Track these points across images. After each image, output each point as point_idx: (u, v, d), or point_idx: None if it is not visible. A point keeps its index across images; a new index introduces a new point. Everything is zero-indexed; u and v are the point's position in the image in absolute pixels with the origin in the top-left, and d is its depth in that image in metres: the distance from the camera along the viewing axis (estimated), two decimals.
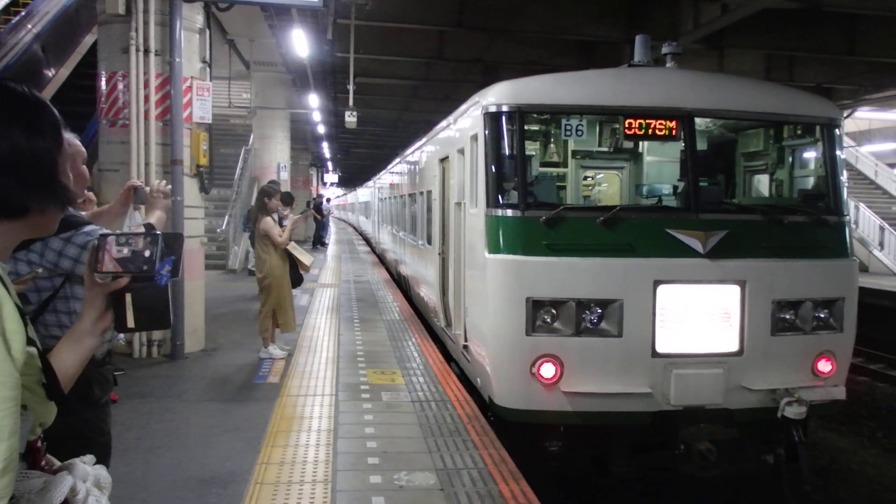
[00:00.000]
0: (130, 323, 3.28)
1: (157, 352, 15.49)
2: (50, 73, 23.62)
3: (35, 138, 2.76)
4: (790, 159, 12.36)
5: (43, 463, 2.85)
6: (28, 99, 2.83)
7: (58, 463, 2.96)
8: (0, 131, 2.67)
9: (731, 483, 11.14)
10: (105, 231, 3.28)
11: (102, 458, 5.23)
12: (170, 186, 6.54)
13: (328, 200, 67.18)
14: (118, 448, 5.73)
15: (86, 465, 3.07)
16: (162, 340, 15.55)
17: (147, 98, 15.38)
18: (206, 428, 11.27)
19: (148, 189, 6.27)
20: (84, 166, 5.60)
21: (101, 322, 3.29)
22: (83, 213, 5.91)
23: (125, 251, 3.20)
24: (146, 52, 15.31)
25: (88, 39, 24.64)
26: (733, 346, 10.44)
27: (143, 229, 3.24)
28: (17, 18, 22.28)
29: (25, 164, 2.71)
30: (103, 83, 15.70)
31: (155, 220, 5.93)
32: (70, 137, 5.46)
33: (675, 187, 11.96)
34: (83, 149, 5.63)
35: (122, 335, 10.00)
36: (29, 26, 21.83)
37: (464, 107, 13.50)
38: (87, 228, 5.45)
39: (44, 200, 2.79)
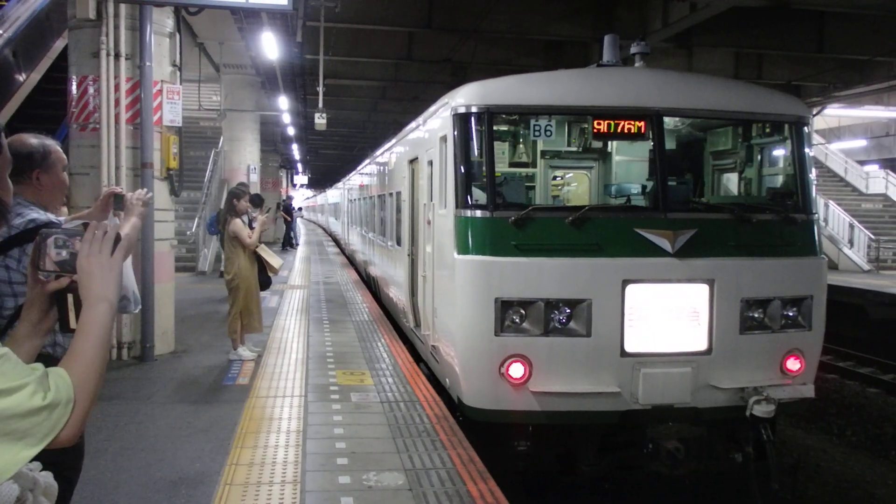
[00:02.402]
0: (73, 324, 3.21)
1: (127, 354, 15.43)
2: (21, 77, 23.51)
3: None
4: (759, 158, 12.39)
5: None
6: None
7: None
8: None
9: (699, 481, 11.16)
10: (46, 230, 3.21)
11: (75, 461, 5.24)
12: (150, 195, 6.52)
13: (300, 209, 67.39)
14: (87, 450, 5.69)
15: (33, 473, 2.98)
16: (132, 343, 15.49)
17: (117, 102, 15.38)
18: (175, 429, 11.23)
19: (128, 195, 6.26)
20: (65, 173, 5.61)
21: (43, 323, 3.27)
22: (62, 220, 5.91)
23: (63, 254, 3.16)
24: (117, 56, 15.30)
25: (59, 44, 24.51)
26: (702, 344, 10.47)
27: (81, 228, 3.14)
28: None
29: None
30: (74, 87, 15.67)
31: (130, 226, 5.91)
32: (52, 144, 5.47)
33: (644, 187, 12.02)
34: (64, 156, 5.63)
35: None
36: (0, 31, 21.74)
37: (433, 108, 13.50)
38: None
39: None
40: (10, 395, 2.52)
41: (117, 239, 3.14)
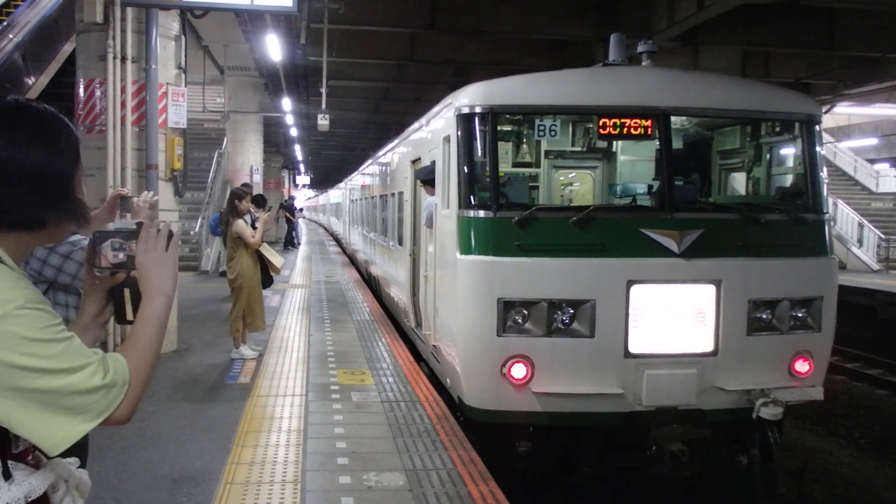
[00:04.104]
0: (130, 316, 3.37)
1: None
2: (30, 80, 23.63)
3: (55, 158, 2.93)
4: (768, 157, 12.27)
5: (29, 458, 2.93)
6: (49, 119, 2.98)
7: (44, 459, 3.03)
8: (23, 151, 2.83)
9: (703, 484, 11.09)
10: (101, 229, 3.33)
11: (81, 458, 5.22)
12: (157, 197, 6.57)
13: (301, 209, 67.73)
14: (91, 448, 5.72)
15: (70, 466, 3.21)
16: None
17: (123, 104, 15.48)
18: (177, 428, 11.22)
19: (135, 199, 6.31)
20: None
21: (100, 316, 3.47)
22: None
23: (121, 256, 3.30)
24: (123, 59, 15.39)
25: (67, 48, 24.71)
26: (708, 346, 10.36)
27: (135, 229, 3.27)
28: None
29: (45, 182, 2.88)
30: (81, 90, 15.82)
31: None
32: None
33: (650, 186, 11.91)
34: None
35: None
36: (10, 36, 21.82)
37: (436, 108, 13.43)
38: (72, 238, 5.75)
39: (61, 215, 2.98)
40: (75, 373, 2.75)
41: (170, 235, 3.34)
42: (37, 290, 2.79)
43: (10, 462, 2.82)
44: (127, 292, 3.40)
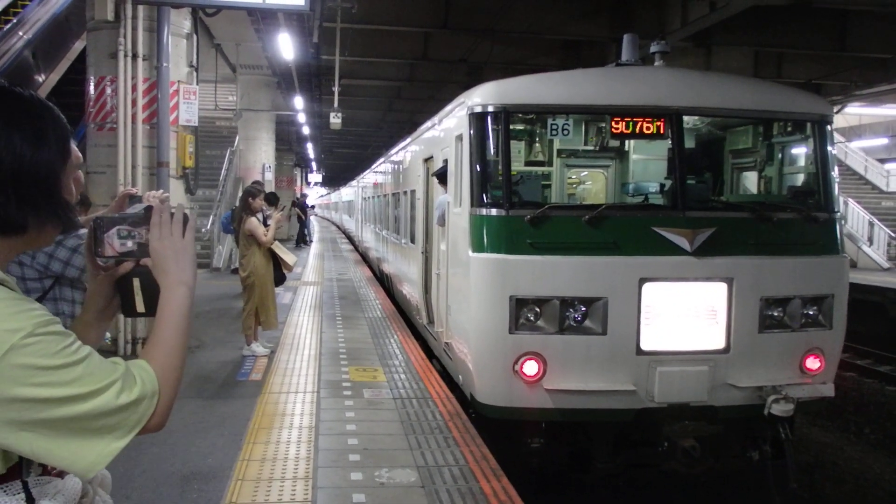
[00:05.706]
0: (140, 308, 3.12)
1: (142, 349, 15.37)
2: (40, 78, 23.70)
3: (41, 151, 2.62)
4: (780, 156, 12.29)
5: (50, 467, 2.70)
6: (35, 107, 2.67)
7: None
8: (3, 142, 2.52)
9: (715, 480, 11.10)
10: (103, 215, 3.11)
11: None
12: (167, 196, 6.54)
13: (313, 207, 67.84)
14: None
15: None
16: (146, 338, 15.45)
17: (134, 102, 15.56)
18: (188, 424, 11.20)
19: (146, 195, 6.30)
20: (80, 171, 5.60)
21: (107, 310, 3.23)
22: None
23: (129, 244, 3.00)
24: (134, 57, 15.48)
25: (78, 45, 24.76)
26: (720, 343, 10.40)
27: (142, 214, 3.02)
28: (10, 25, 22.39)
29: (27, 178, 2.57)
30: (92, 88, 15.88)
31: None
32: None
33: (662, 185, 11.92)
34: (80, 154, 5.61)
35: (108, 334, 9.91)
36: (20, 33, 21.92)
37: (449, 107, 13.46)
38: (81, 232, 5.58)
39: (44, 219, 2.66)
40: (100, 395, 2.52)
41: (185, 220, 3.04)
42: (41, 307, 2.53)
43: (36, 478, 2.62)
44: (136, 282, 3.09)
